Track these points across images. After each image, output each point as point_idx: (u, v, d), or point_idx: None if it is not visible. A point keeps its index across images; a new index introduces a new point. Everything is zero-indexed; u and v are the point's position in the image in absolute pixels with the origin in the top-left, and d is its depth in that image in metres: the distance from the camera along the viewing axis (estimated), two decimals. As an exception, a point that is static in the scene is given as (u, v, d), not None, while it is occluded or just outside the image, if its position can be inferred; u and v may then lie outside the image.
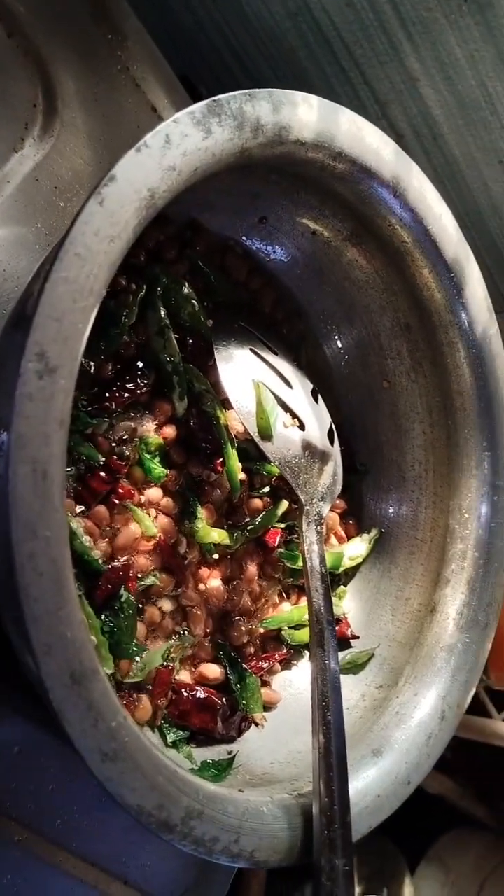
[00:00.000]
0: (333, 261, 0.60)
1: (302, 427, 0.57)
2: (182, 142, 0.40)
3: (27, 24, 0.53)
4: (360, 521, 0.66)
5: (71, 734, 0.35)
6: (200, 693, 0.51)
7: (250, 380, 0.55)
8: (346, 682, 0.57)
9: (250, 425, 0.54)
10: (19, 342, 0.34)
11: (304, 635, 0.59)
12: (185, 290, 0.53)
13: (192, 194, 0.43)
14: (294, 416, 0.57)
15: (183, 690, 0.51)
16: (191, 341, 0.54)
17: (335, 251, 0.60)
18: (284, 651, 0.59)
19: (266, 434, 0.54)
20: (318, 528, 0.55)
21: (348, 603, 0.64)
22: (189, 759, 0.49)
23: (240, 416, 0.54)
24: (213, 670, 0.54)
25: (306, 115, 0.47)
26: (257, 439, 0.54)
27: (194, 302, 0.53)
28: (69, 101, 0.55)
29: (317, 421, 0.59)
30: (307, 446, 0.57)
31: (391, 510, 0.65)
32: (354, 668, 0.59)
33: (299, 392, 0.58)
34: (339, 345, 0.65)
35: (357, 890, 0.90)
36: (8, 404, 0.34)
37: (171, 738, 0.50)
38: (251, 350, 0.56)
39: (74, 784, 0.53)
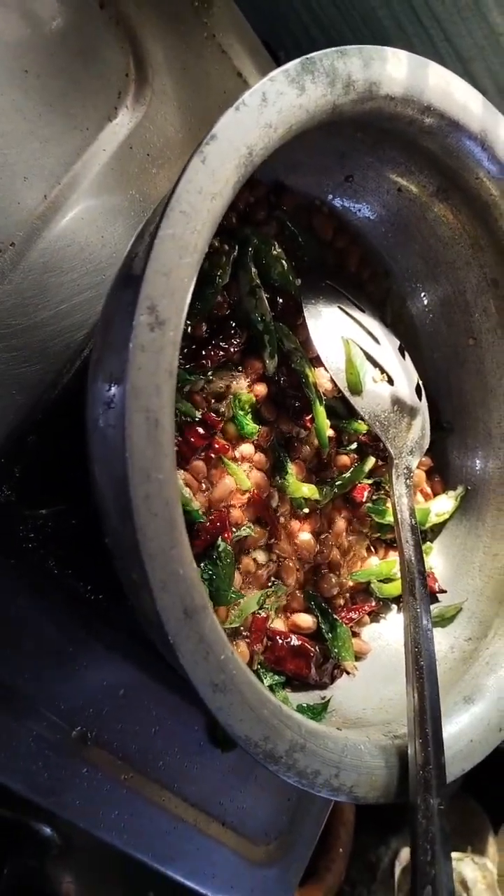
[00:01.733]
0: (419, 217, 0.60)
1: (391, 382, 0.58)
2: (278, 99, 0.41)
3: (118, -6, 0.54)
4: (446, 479, 0.67)
5: (185, 665, 0.37)
6: (294, 640, 0.53)
7: (339, 337, 0.56)
8: (436, 635, 0.58)
9: (340, 381, 0.55)
10: (129, 300, 0.36)
11: (392, 588, 0.61)
12: (275, 251, 0.54)
13: (281, 154, 0.44)
14: (383, 371, 0.58)
15: (278, 637, 0.53)
16: (280, 300, 0.55)
17: (421, 207, 0.60)
18: (373, 603, 0.61)
19: (356, 389, 0.55)
20: (408, 481, 0.56)
21: (435, 559, 0.64)
22: (285, 703, 0.51)
23: (330, 373, 0.55)
24: (305, 619, 0.56)
25: (395, 70, 0.48)
26: (347, 394, 0.55)
27: (283, 262, 0.55)
28: (159, 69, 0.57)
29: (405, 376, 0.59)
30: (396, 401, 0.58)
31: (478, 467, 0.65)
32: (442, 621, 0.60)
33: (387, 348, 0.59)
34: (425, 302, 0.65)
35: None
36: (120, 358, 0.36)
37: (267, 681, 0.52)
38: (339, 308, 0.57)
39: (176, 728, 0.56)
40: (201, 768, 0.57)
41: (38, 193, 0.50)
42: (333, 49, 0.44)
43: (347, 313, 0.57)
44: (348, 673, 0.56)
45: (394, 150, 0.56)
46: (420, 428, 0.59)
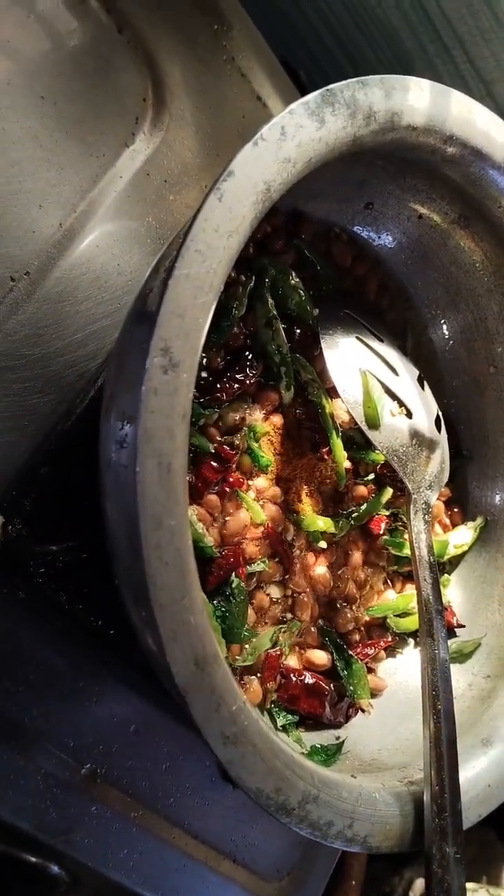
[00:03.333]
0: (440, 245, 0.59)
1: (409, 415, 0.57)
2: (297, 133, 0.40)
3: (136, 17, 0.54)
4: (465, 509, 0.66)
5: (196, 717, 0.36)
6: (309, 678, 0.52)
7: (357, 368, 0.54)
8: (453, 671, 0.57)
9: (357, 415, 0.54)
10: (142, 337, 0.35)
11: (409, 623, 0.59)
12: (293, 280, 0.53)
13: (300, 185, 0.43)
14: (401, 404, 0.57)
15: (291, 675, 0.52)
16: (297, 331, 0.54)
17: (442, 235, 0.59)
18: (389, 638, 0.60)
19: (374, 423, 0.54)
20: (426, 516, 0.54)
21: (453, 591, 0.63)
22: (299, 743, 0.50)
23: (347, 405, 0.54)
24: (319, 656, 0.54)
25: (417, 99, 0.47)
26: (364, 428, 0.54)
27: (301, 292, 0.54)
28: (177, 93, 0.56)
29: (424, 408, 0.58)
30: (414, 434, 0.56)
31: (497, 498, 0.64)
32: (461, 657, 0.59)
33: (406, 379, 0.58)
34: (445, 330, 0.64)
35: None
36: (133, 398, 0.35)
37: (280, 721, 0.51)
38: (357, 338, 0.56)
39: (187, 764, 0.55)
40: (212, 804, 0.56)
41: (53, 221, 0.50)
42: (354, 80, 0.43)
43: (365, 344, 0.56)
44: (363, 711, 0.55)
45: (415, 178, 0.55)
46: (439, 462, 0.58)
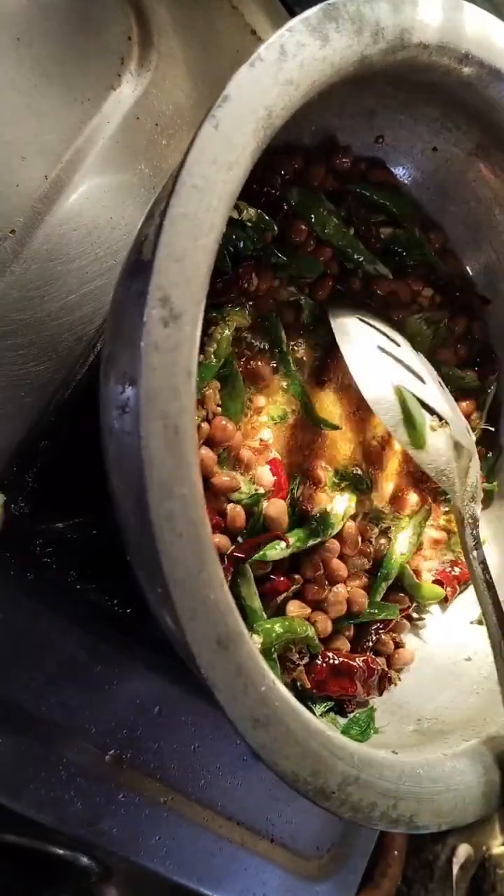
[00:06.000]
0: (458, 179, 0.55)
1: (447, 426, 0.50)
2: (298, 52, 0.36)
3: (116, -51, 0.49)
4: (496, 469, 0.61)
5: (221, 701, 0.33)
6: (334, 658, 0.49)
7: (389, 385, 0.48)
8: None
9: (401, 438, 0.48)
10: (139, 289, 0.32)
11: (430, 591, 0.56)
12: (324, 208, 0.50)
13: (304, 115, 0.39)
14: (436, 415, 0.50)
15: (317, 659, 0.49)
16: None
17: (460, 167, 0.54)
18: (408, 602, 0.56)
19: (419, 444, 0.48)
20: (474, 531, 0.50)
21: (487, 549, 0.59)
22: (334, 723, 0.47)
23: (389, 428, 0.48)
24: (341, 642, 0.51)
25: (429, 14, 0.42)
26: (412, 452, 0.48)
27: (335, 218, 0.51)
28: (165, 29, 0.51)
29: (455, 413, 0.53)
30: (456, 446, 0.50)
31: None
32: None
33: (432, 385, 0.52)
34: (468, 270, 0.60)
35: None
36: (133, 357, 0.31)
37: (319, 711, 0.48)
38: (379, 348, 0.50)
39: (217, 742, 0.52)
40: (246, 784, 0.54)
41: (37, 174, 0.46)
42: (359, -8, 0.39)
43: (387, 353, 0.50)
44: (394, 684, 0.52)
45: (428, 105, 0.50)
46: (476, 468, 0.52)
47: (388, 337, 0.51)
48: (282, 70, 0.35)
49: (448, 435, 0.49)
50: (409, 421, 0.48)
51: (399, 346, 0.52)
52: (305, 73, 0.36)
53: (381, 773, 0.39)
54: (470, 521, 0.50)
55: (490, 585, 0.47)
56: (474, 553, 0.49)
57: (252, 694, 0.34)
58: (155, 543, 0.31)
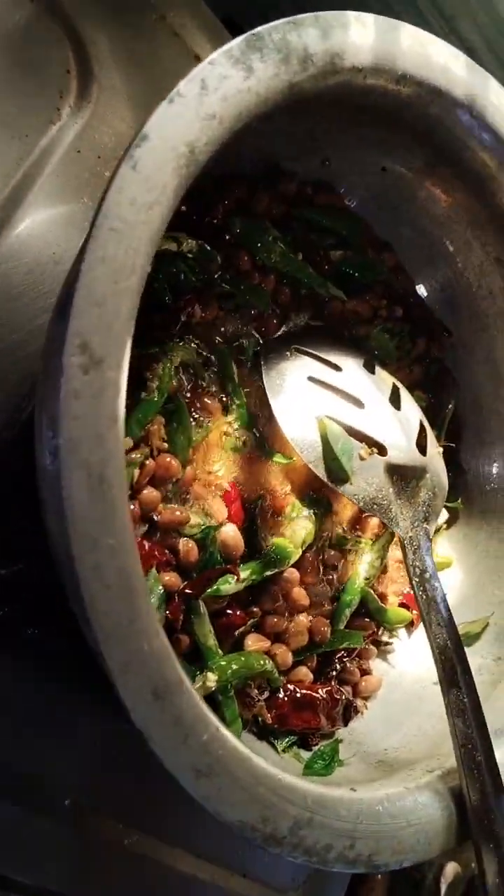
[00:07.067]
0: (408, 198, 0.55)
1: (382, 452, 0.50)
2: (220, 85, 0.35)
3: (50, -19, 0.49)
4: (463, 484, 0.61)
5: (159, 754, 0.32)
6: (296, 691, 0.48)
7: (312, 417, 0.48)
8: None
9: (321, 472, 0.48)
10: (61, 334, 0.31)
11: (395, 615, 0.55)
12: (270, 235, 0.50)
13: (244, 144, 0.38)
14: (371, 442, 0.49)
15: (278, 693, 0.48)
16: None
17: (409, 187, 0.54)
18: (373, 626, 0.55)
19: (341, 477, 0.48)
20: (427, 552, 0.49)
21: (453, 571, 0.59)
22: (297, 759, 0.46)
23: (309, 465, 0.48)
24: (303, 673, 0.50)
25: (361, 36, 0.41)
26: (332, 486, 0.48)
27: (281, 244, 0.50)
28: (104, 60, 0.51)
29: (401, 432, 0.52)
30: (394, 471, 0.50)
31: (496, 466, 0.60)
32: (468, 639, 0.55)
33: (374, 407, 0.51)
34: (423, 291, 0.59)
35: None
36: (55, 404, 0.31)
37: (281, 746, 0.47)
38: (309, 378, 0.50)
39: (181, 780, 0.51)
40: (213, 818, 0.53)
41: (-24, 213, 0.45)
42: (283, 20, 0.38)
43: (320, 381, 0.50)
44: (360, 713, 0.51)
45: (371, 126, 0.49)
46: (431, 486, 0.51)
47: (326, 363, 0.51)
48: (203, 104, 0.35)
49: (383, 462, 0.49)
50: (328, 455, 0.47)
51: (340, 370, 0.51)
52: (229, 106, 0.36)
53: (336, 812, 0.38)
54: (422, 541, 0.49)
55: (446, 607, 0.46)
56: (427, 575, 0.47)
57: (193, 744, 0.33)
58: (82, 595, 0.30)
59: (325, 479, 0.48)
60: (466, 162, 0.50)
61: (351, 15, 0.41)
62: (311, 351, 0.51)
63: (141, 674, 0.31)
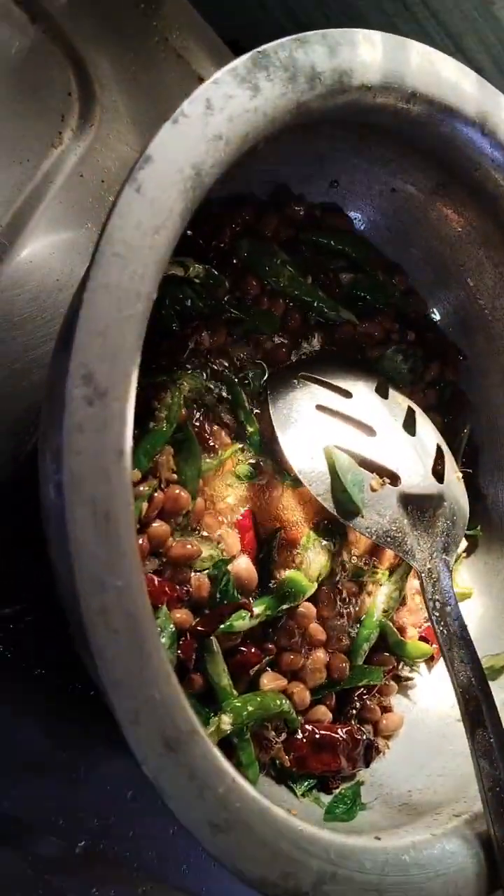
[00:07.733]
0: (419, 219, 0.53)
1: (395, 481, 0.48)
2: (226, 105, 0.34)
3: (50, 4, 0.48)
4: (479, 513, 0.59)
5: (173, 808, 0.30)
6: (315, 732, 0.46)
7: (320, 448, 0.46)
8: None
9: (329, 505, 0.46)
10: (64, 366, 0.30)
11: (415, 649, 0.53)
12: (278, 258, 0.49)
13: (251, 166, 0.37)
14: (382, 472, 0.48)
15: (296, 734, 0.46)
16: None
17: (420, 207, 0.52)
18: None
19: (351, 510, 0.46)
20: (446, 583, 0.46)
21: (475, 601, 0.57)
22: (317, 803, 0.44)
23: (318, 498, 0.46)
24: (322, 712, 0.48)
25: (369, 54, 0.40)
26: (342, 520, 0.46)
27: (290, 268, 0.49)
28: (106, 83, 0.50)
29: (416, 459, 0.50)
30: (407, 501, 0.48)
31: (517, 491, 0.58)
32: (492, 673, 0.52)
33: (386, 433, 0.49)
34: (436, 313, 0.58)
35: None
36: (58, 438, 0.29)
37: (300, 790, 0.45)
38: (317, 407, 0.48)
39: (196, 826, 0.49)
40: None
41: (-23, 240, 0.44)
42: (290, 38, 0.37)
43: (328, 410, 0.48)
44: (381, 753, 0.49)
45: (381, 147, 0.48)
46: (449, 514, 0.49)
47: (336, 389, 0.49)
48: (208, 125, 0.33)
49: (396, 491, 0.47)
50: (337, 487, 0.45)
51: (350, 396, 0.49)
52: (235, 127, 0.34)
53: (361, 865, 0.36)
54: (442, 573, 0.47)
55: (468, 643, 0.44)
56: (448, 609, 0.45)
57: (209, 798, 0.31)
58: (88, 640, 0.28)
59: (335, 513, 0.46)
60: (478, 181, 0.49)
61: (358, 33, 0.40)
62: (319, 378, 0.49)
63: (152, 723, 0.29)
